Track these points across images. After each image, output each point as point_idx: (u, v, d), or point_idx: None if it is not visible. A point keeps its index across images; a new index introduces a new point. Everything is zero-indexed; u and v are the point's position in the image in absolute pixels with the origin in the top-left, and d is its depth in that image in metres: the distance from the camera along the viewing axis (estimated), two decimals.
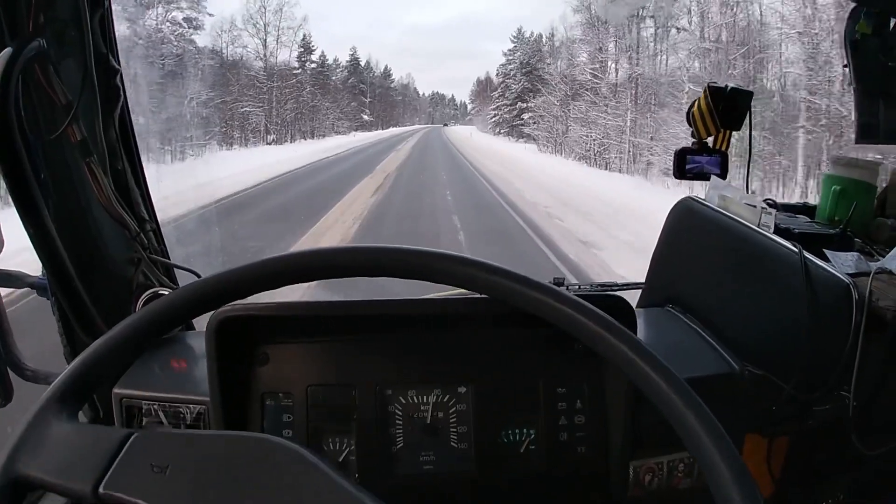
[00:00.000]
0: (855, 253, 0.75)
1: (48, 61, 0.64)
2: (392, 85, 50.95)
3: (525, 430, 0.62)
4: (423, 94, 67.10)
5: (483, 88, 48.21)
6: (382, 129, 42.71)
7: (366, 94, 41.34)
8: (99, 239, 0.69)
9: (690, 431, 0.37)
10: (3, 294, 0.68)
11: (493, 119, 34.75)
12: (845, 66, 0.88)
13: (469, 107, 57.97)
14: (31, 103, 0.65)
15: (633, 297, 0.88)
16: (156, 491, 0.35)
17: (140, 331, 0.43)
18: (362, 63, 41.82)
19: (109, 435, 0.37)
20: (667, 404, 0.39)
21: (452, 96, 71.98)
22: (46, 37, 0.63)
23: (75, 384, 0.41)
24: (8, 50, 0.60)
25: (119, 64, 0.70)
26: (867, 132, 0.87)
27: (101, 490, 0.35)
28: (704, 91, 0.81)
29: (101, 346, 0.42)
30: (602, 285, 1.01)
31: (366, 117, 38.94)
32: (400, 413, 0.62)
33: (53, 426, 0.38)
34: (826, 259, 0.72)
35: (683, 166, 0.84)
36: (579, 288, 0.97)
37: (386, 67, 49.84)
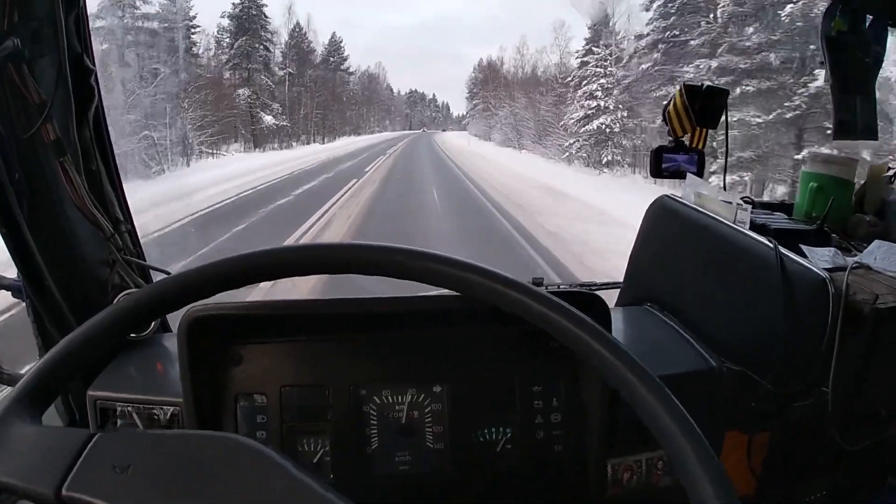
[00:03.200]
0: (832, 248, 0.76)
1: (22, 60, 0.64)
2: (347, 70, 35.91)
3: (501, 429, 0.62)
4: (399, 93, 54.42)
5: (489, 76, 36.92)
6: (323, 140, 29.80)
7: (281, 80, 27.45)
8: (73, 240, 0.69)
9: (663, 428, 0.37)
10: None
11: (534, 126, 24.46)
12: (822, 62, 0.89)
13: (466, 107, 45.85)
14: (5, 102, 0.64)
15: (612, 296, 0.89)
16: (117, 491, 0.34)
17: (107, 329, 0.43)
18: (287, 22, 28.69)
19: (72, 436, 0.37)
20: (639, 401, 0.38)
21: (434, 96, 62.08)
22: (21, 35, 0.63)
23: (39, 385, 0.40)
24: None
25: (94, 64, 0.69)
26: (845, 128, 0.88)
27: (63, 492, 0.34)
28: (680, 89, 0.82)
29: (66, 345, 0.42)
30: (582, 285, 1.01)
31: (269, 119, 25.81)
32: (375, 413, 0.61)
33: (15, 428, 0.37)
34: (803, 254, 0.72)
35: (660, 164, 0.85)
36: (558, 287, 0.97)
37: (334, 38, 34.16)
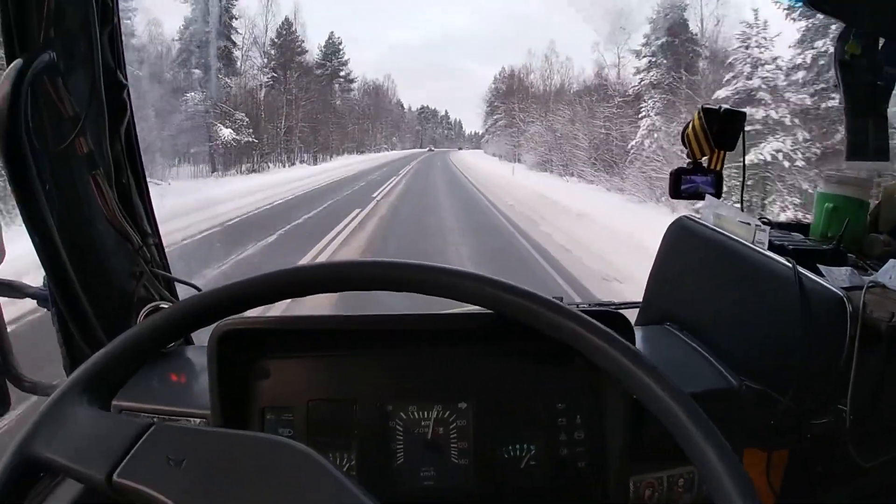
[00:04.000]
0: (848, 268, 0.77)
1: (57, 74, 0.65)
2: (348, 77, 30.16)
3: (525, 446, 0.62)
4: (410, 108, 49.91)
5: (514, 86, 31.38)
6: (315, 160, 24.38)
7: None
8: (102, 251, 0.70)
9: (694, 444, 0.38)
10: (3, 306, 0.67)
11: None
12: (835, 85, 0.91)
13: (482, 124, 40.77)
14: (40, 115, 0.65)
15: (630, 317, 0.89)
16: (170, 483, 0.35)
17: (138, 345, 0.44)
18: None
19: (128, 424, 0.38)
20: (669, 416, 0.39)
21: (446, 112, 58.25)
22: (56, 49, 0.65)
23: (99, 373, 0.41)
24: (18, 61, 0.61)
25: (126, 79, 0.71)
26: (857, 150, 0.90)
27: (115, 478, 0.35)
28: (698, 112, 0.83)
29: (126, 339, 0.43)
30: (600, 304, 1.02)
31: (227, 133, 18.28)
32: (401, 429, 0.62)
33: (73, 411, 0.38)
34: (820, 274, 0.73)
35: (679, 186, 0.86)
36: (577, 306, 0.98)
37: (332, 40, 28.70)
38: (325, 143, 26.96)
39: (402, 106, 46.47)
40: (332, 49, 30.87)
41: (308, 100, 25.48)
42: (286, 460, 0.37)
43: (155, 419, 0.38)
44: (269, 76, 23.98)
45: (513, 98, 32.09)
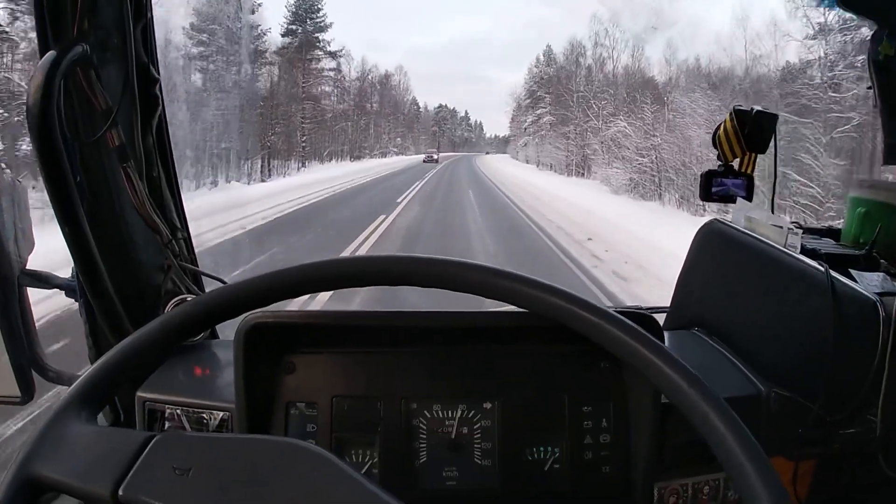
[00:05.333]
0: (881, 273, 0.75)
1: (90, 66, 0.66)
2: (324, 48, 21.34)
3: (550, 448, 0.62)
4: (426, 108, 43.17)
5: (566, 73, 23.23)
6: (262, 174, 16.14)
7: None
8: (131, 243, 0.70)
9: (727, 449, 0.37)
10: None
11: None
12: (869, 87, 0.89)
13: (509, 125, 35.24)
14: (72, 107, 0.66)
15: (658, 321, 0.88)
16: (178, 493, 0.34)
17: (164, 334, 0.44)
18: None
19: (129, 437, 0.37)
20: (702, 420, 0.39)
21: (466, 113, 51.25)
22: (90, 42, 0.65)
23: (96, 386, 0.40)
24: (52, 53, 0.62)
25: (159, 73, 0.71)
26: (895, 153, 0.88)
27: (120, 493, 0.34)
28: (730, 114, 0.82)
29: (124, 348, 0.42)
30: (627, 308, 1.00)
31: None
32: (424, 427, 0.61)
33: (72, 428, 0.37)
34: (853, 279, 0.72)
35: (710, 188, 0.85)
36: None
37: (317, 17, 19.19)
38: (292, 147, 18.14)
39: (417, 104, 39.54)
40: (306, 6, 19.74)
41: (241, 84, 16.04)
42: (301, 463, 0.36)
43: (157, 434, 0.37)
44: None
45: (569, 85, 22.07)
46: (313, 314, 0.61)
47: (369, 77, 30.52)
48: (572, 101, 22.35)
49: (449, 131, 48.24)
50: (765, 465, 0.36)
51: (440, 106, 47.97)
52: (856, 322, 0.68)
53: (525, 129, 29.38)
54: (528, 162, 29.48)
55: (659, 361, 0.41)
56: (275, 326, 0.59)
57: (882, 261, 0.80)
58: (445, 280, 0.46)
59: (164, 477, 0.35)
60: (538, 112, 27.40)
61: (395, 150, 34.01)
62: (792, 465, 0.75)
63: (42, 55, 0.63)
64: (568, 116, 22.73)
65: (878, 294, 0.69)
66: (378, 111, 31.71)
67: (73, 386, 0.40)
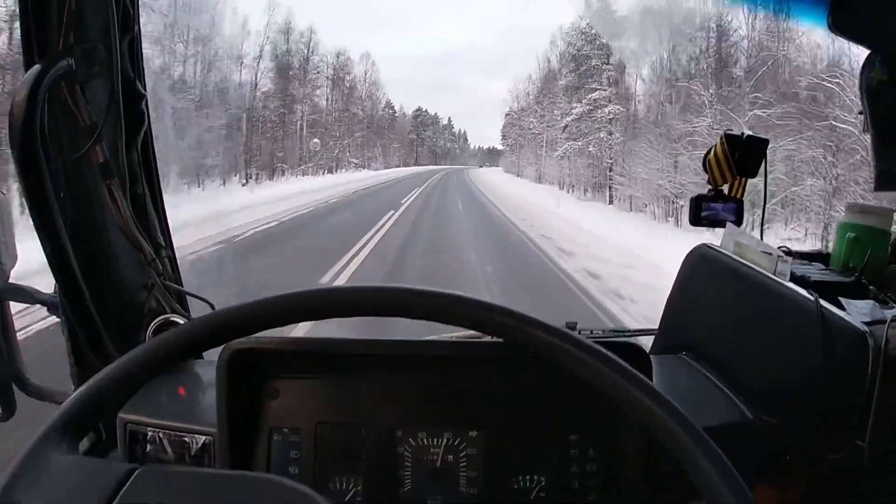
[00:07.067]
0: (870, 301, 0.75)
1: (75, 81, 0.65)
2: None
3: (536, 477, 0.61)
4: (403, 113, 35.07)
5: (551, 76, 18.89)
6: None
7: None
8: (114, 261, 0.69)
9: (710, 486, 0.37)
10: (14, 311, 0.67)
11: None
12: (860, 112, 0.89)
13: (497, 137, 29.23)
14: (56, 122, 0.65)
15: (645, 344, 0.88)
16: None
17: (149, 362, 0.43)
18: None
19: (111, 470, 0.36)
20: (685, 454, 0.39)
21: (450, 120, 42.07)
22: (76, 57, 0.64)
23: (79, 414, 0.40)
24: (36, 67, 0.61)
25: (145, 89, 0.70)
26: (886, 179, 0.88)
27: None
28: (721, 139, 0.82)
29: (108, 374, 0.42)
30: (614, 331, 1.00)
31: None
32: (409, 455, 0.61)
33: (54, 456, 0.37)
34: (842, 307, 0.72)
35: (699, 213, 0.85)
36: (591, 332, 0.96)
37: None
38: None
39: (392, 107, 31.78)
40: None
41: None
42: (282, 501, 0.36)
43: (139, 467, 0.36)
44: None
45: (602, 74, 16.09)
46: (297, 341, 0.60)
47: (315, 60, 21.46)
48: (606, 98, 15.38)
49: (430, 140, 39.67)
50: (745, 495, 0.36)
51: (419, 109, 39.53)
52: (845, 352, 0.68)
53: (565, 126, 18.50)
54: (544, 182, 20.93)
55: (636, 391, 0.42)
56: (258, 351, 0.58)
57: (871, 287, 0.80)
58: (432, 313, 0.45)
59: None
60: (593, 97, 16.87)
61: (357, 162, 25.10)
62: (778, 492, 0.75)
63: (27, 69, 0.62)
64: (595, 118, 15.63)
65: (867, 323, 0.69)
66: (340, 114, 23.57)
67: (55, 413, 0.40)
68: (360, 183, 19.98)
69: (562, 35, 20.12)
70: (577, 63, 18.38)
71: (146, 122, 0.71)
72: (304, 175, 20.09)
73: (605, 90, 17.00)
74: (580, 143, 17.36)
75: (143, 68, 0.71)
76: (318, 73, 22.42)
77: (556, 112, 20.05)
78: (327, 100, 23.37)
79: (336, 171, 23.08)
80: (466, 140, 45.18)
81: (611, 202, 16.03)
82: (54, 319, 0.72)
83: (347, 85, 24.74)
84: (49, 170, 0.63)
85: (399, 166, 31.22)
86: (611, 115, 16.43)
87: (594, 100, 17.06)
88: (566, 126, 18.45)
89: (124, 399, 0.66)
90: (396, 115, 33.13)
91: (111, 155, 0.66)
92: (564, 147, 18.42)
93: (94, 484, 0.35)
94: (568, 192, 18.53)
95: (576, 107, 17.88)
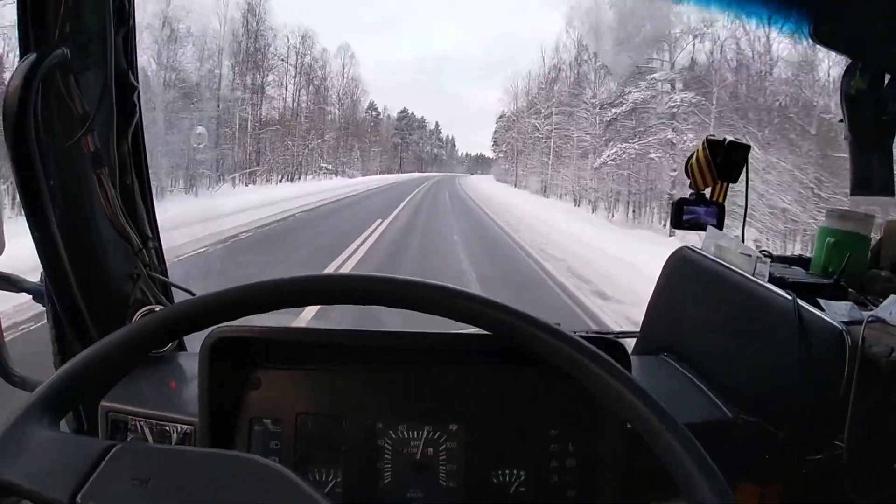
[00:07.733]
0: (848, 302, 0.77)
1: (70, 71, 0.65)
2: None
3: (515, 472, 0.61)
4: (388, 115, 33.04)
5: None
6: None
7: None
8: (101, 250, 0.69)
9: (692, 483, 0.38)
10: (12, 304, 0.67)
11: None
12: (841, 120, 0.91)
13: (488, 144, 27.90)
14: (49, 110, 0.66)
15: (627, 346, 0.88)
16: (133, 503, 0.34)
17: (130, 343, 0.43)
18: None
19: (90, 446, 0.37)
20: (662, 447, 0.39)
21: (437, 125, 40.48)
22: (70, 47, 0.65)
23: (59, 393, 0.40)
24: (32, 55, 0.62)
25: (138, 81, 0.71)
26: (862, 185, 0.90)
27: (77, 500, 0.34)
28: (703, 143, 0.84)
29: (89, 355, 0.42)
30: (598, 332, 1.01)
31: None
32: (389, 447, 0.61)
33: (34, 432, 0.37)
34: (820, 308, 0.73)
35: (681, 216, 0.86)
36: (574, 333, 0.97)
37: None
38: None
39: (375, 109, 29.51)
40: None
41: None
42: (262, 480, 0.36)
43: (118, 444, 0.37)
44: None
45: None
46: (280, 330, 0.61)
47: (271, 38, 17.23)
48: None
49: (415, 145, 36.93)
50: (724, 492, 0.36)
51: (404, 111, 36.77)
52: (822, 350, 0.69)
53: (609, 122, 13.81)
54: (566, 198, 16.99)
55: (619, 385, 0.42)
56: (241, 341, 0.59)
57: (850, 290, 0.81)
58: (413, 301, 0.46)
59: (122, 487, 0.35)
60: (616, 107, 12.99)
61: (329, 167, 21.75)
62: (758, 490, 0.75)
63: (22, 57, 0.63)
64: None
65: (845, 323, 0.70)
66: (314, 113, 20.02)
67: (36, 391, 0.40)
68: (315, 197, 13.83)
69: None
70: (627, 29, 11.64)
71: (137, 114, 0.71)
72: (245, 185, 15.07)
73: (616, 98, 12.06)
74: (636, 146, 11.76)
75: (137, 61, 0.72)
76: (277, 57, 16.95)
77: (581, 107, 14.34)
78: (289, 90, 18.37)
79: (299, 178, 18.36)
80: (454, 146, 43.13)
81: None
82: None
83: (319, 75, 20.16)
84: (41, 157, 0.63)
85: (381, 173, 27.64)
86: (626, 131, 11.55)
87: (653, 81, 11.07)
88: (610, 122, 13.02)
89: (106, 383, 0.66)
90: (380, 116, 30.43)
91: (102, 145, 0.67)
92: (609, 152, 12.93)
93: (73, 459, 0.36)
94: (593, 210, 13.89)
95: (632, 91, 12.00)
